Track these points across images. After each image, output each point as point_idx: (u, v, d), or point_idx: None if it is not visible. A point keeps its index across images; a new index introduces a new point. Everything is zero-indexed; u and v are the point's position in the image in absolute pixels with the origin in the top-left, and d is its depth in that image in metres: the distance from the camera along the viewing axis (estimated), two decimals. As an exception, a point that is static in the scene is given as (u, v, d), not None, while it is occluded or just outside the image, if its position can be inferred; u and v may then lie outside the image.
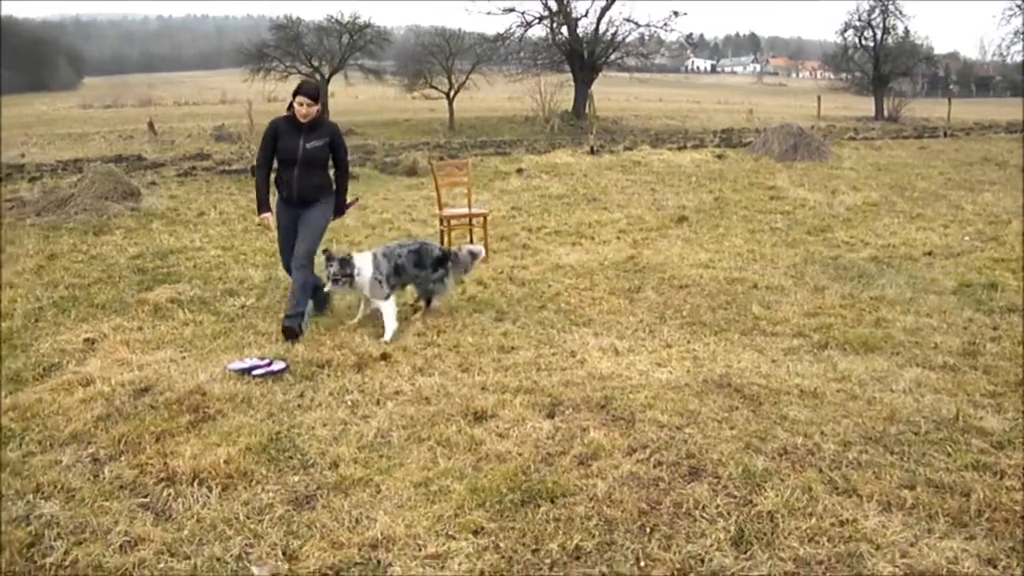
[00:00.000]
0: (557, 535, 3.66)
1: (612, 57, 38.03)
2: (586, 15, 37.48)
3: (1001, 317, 6.95)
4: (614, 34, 37.54)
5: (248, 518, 3.88)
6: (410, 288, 7.29)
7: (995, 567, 3.43)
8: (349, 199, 7.12)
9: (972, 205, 12.81)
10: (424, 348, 6.25)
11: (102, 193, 12.52)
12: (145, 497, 4.10)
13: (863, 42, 43.44)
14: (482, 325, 6.82)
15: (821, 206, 12.67)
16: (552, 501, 3.95)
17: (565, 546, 3.58)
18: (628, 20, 38.59)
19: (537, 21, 37.33)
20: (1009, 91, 70.27)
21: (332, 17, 34.91)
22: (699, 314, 7.11)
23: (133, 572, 3.47)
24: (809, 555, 3.50)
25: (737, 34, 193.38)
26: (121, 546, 3.65)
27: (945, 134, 27.34)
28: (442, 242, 9.52)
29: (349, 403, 5.21)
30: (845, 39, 44.30)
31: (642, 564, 3.47)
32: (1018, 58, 48.39)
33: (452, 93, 34.11)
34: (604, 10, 36.76)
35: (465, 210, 9.73)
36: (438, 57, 34.54)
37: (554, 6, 36.44)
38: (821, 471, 4.22)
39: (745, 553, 3.53)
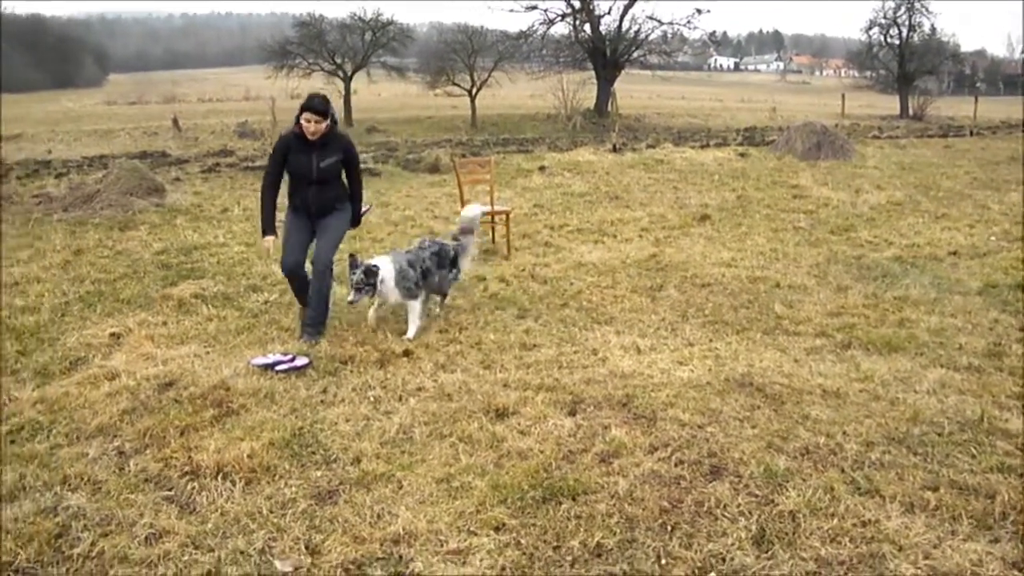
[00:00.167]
0: (578, 532, 3.67)
1: (635, 55, 37.97)
2: (609, 12, 37.38)
3: (1027, 318, 6.89)
4: (637, 32, 37.48)
5: (271, 512, 3.92)
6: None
7: (1020, 571, 3.41)
8: (364, 207, 7.04)
9: (998, 205, 12.69)
10: (446, 345, 6.28)
11: (127, 189, 12.65)
12: (170, 490, 4.15)
13: (888, 40, 43.15)
14: (504, 322, 6.84)
15: (845, 205, 12.59)
16: (573, 498, 3.96)
17: (586, 543, 3.60)
18: (651, 18, 38.67)
19: (560, 18, 37.29)
20: (1037, 89, 69.48)
21: (355, 14, 35.02)
22: (721, 313, 7.10)
23: (158, 564, 3.51)
24: (831, 555, 3.49)
25: (760, 31, 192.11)
26: (146, 538, 3.70)
27: (971, 133, 27.08)
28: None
29: (371, 399, 5.24)
30: (870, 37, 44.05)
31: (663, 562, 3.48)
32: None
33: (474, 90, 34.14)
34: (627, 7, 36.71)
35: (487, 207, 9.74)
36: (460, 54, 34.60)
37: (577, 3, 36.38)
38: (843, 471, 4.20)
39: (766, 552, 3.53)
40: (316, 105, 6.24)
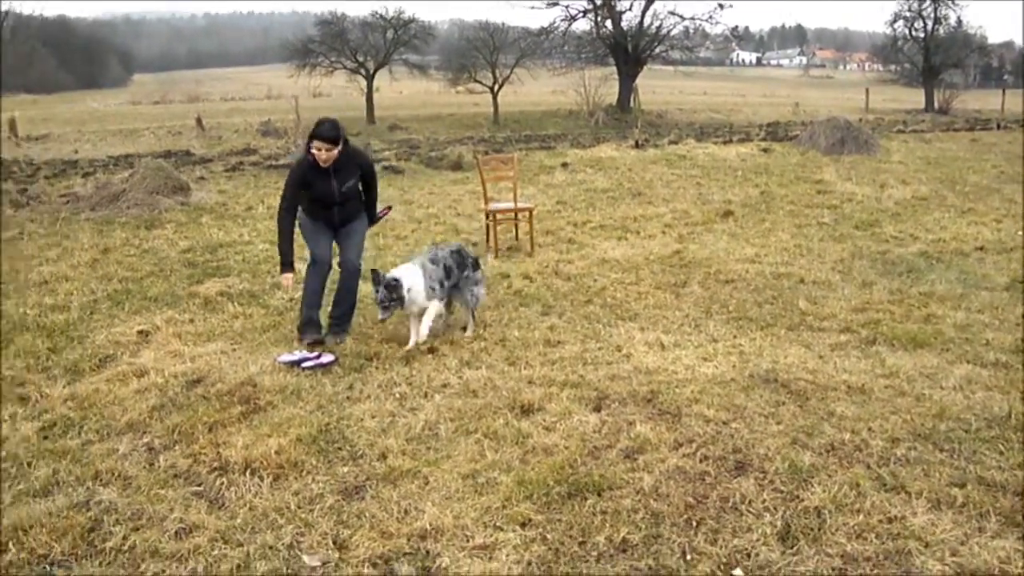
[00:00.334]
0: (604, 528, 3.69)
1: (657, 50, 37.99)
2: (630, 8, 37.56)
3: (1055, 313, 6.83)
4: (659, 27, 37.51)
5: (299, 507, 3.96)
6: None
7: (1048, 567, 3.39)
8: (381, 209, 6.98)
9: (1026, 199, 12.55)
10: (471, 342, 6.30)
11: (153, 188, 12.78)
12: (199, 486, 4.20)
13: (913, 33, 42.86)
14: (528, 319, 6.86)
15: (869, 200, 12.51)
16: (599, 494, 3.97)
17: (612, 538, 3.61)
18: (673, 13, 38.62)
19: (581, 15, 37.37)
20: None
21: (377, 13, 35.21)
22: (745, 309, 7.08)
23: (188, 558, 3.55)
24: (857, 551, 3.49)
25: (783, 26, 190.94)
26: (176, 532, 3.75)
27: (998, 126, 26.78)
28: (487, 236, 9.59)
29: (397, 395, 5.27)
30: (894, 30, 43.81)
31: (688, 558, 3.48)
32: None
33: (496, 87, 34.20)
34: (648, 3, 36.73)
35: (511, 204, 9.78)
36: (482, 51, 34.72)
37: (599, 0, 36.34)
38: (869, 467, 4.19)
39: (792, 548, 3.52)
40: (326, 133, 6.08)
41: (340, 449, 4.56)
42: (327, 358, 5.86)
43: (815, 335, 6.38)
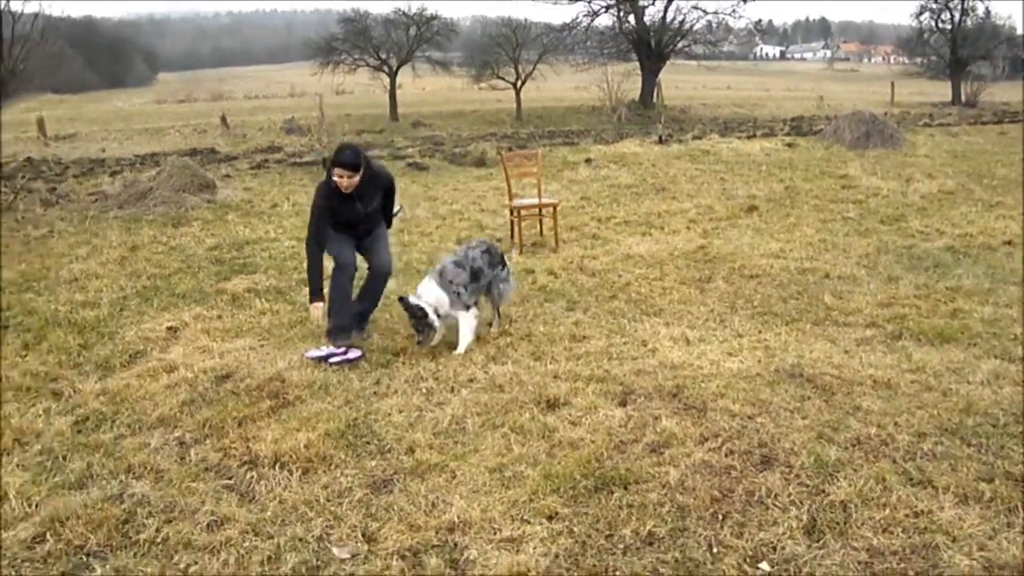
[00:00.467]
0: (630, 521, 3.71)
1: (679, 45, 37.81)
2: (653, 3, 37.16)
3: (1084, 308, 6.77)
4: (681, 22, 37.33)
5: (328, 500, 4.01)
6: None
7: (1077, 561, 3.38)
8: (396, 208, 6.94)
9: (1055, 193, 12.43)
10: (497, 337, 6.34)
11: (179, 186, 12.93)
12: (229, 479, 4.26)
13: (940, 25, 42.32)
14: (553, 315, 6.89)
15: (895, 195, 12.42)
16: (625, 488, 4.00)
17: (638, 531, 3.64)
18: (696, 7, 38.25)
19: (604, 10, 37.27)
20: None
21: (399, 10, 35.27)
22: (770, 304, 7.07)
23: (220, 550, 3.61)
24: (883, 545, 3.49)
25: (807, 19, 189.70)
26: (208, 525, 3.82)
27: (1027, 119, 26.49)
28: (512, 232, 9.63)
29: (424, 390, 5.32)
30: (920, 22, 43.28)
31: (714, 550, 3.50)
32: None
33: (519, 83, 34.21)
34: (671, -3, 36.50)
35: (535, 200, 9.80)
36: (505, 47, 34.73)
37: (621, -5, 36.27)
38: (895, 462, 4.19)
39: (817, 542, 3.54)
40: (347, 160, 5.99)
41: (368, 443, 4.60)
42: (354, 353, 5.91)
43: (840, 330, 6.36)
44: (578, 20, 37.66)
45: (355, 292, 6.48)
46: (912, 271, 8.01)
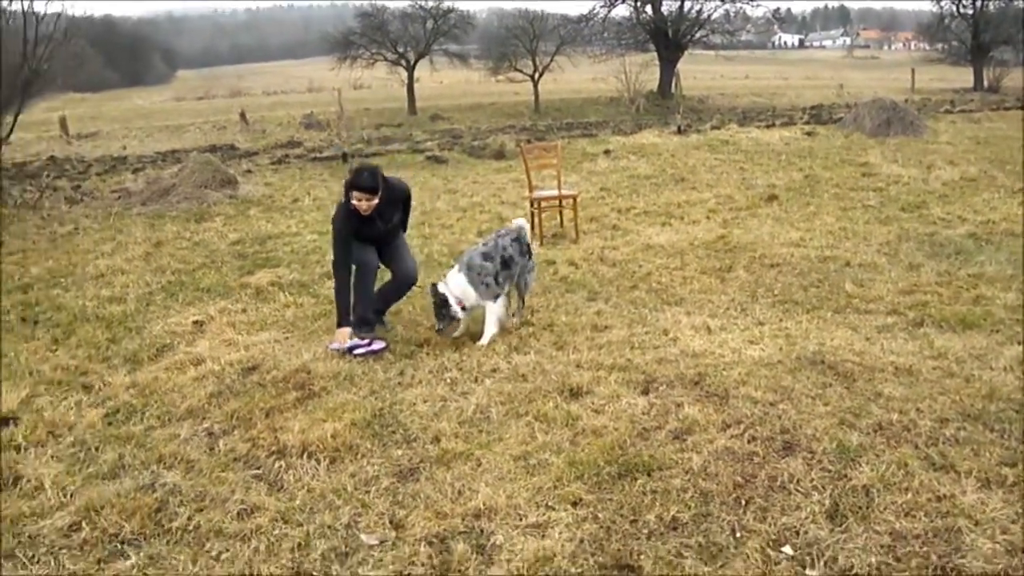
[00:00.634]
0: (654, 506, 3.76)
1: (697, 35, 37.61)
2: (670, -7, 36.99)
3: (1108, 293, 6.73)
4: (699, 11, 37.13)
5: (356, 489, 4.07)
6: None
7: (1100, 543, 3.40)
8: None
9: (1079, 178, 12.31)
10: (519, 327, 6.38)
11: (201, 182, 13.04)
12: (258, 469, 4.33)
13: (961, 9, 41.78)
14: (575, 305, 6.93)
15: (916, 182, 12.36)
16: (648, 474, 4.04)
17: (662, 517, 3.68)
18: (713, -3, 38.02)
19: (621, 1, 37.11)
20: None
21: (416, 3, 35.31)
22: (791, 292, 7.09)
23: (251, 538, 3.68)
24: (905, 529, 3.51)
25: (826, 7, 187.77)
26: (238, 513, 3.89)
27: (1051, 104, 26.19)
28: (532, 224, 9.66)
29: (448, 380, 5.37)
30: (941, 7, 42.71)
31: (738, 535, 3.54)
32: None
33: (537, 75, 34.17)
34: (688, -13, 36.33)
35: (555, 192, 9.83)
36: (522, 40, 34.67)
37: (638, -15, 36.13)
38: (917, 447, 4.20)
39: (840, 526, 3.56)
40: (365, 183, 5.95)
41: (394, 433, 4.66)
42: (378, 345, 5.97)
43: (862, 317, 6.37)
44: (595, 11, 37.57)
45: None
46: (934, 258, 7.99)
